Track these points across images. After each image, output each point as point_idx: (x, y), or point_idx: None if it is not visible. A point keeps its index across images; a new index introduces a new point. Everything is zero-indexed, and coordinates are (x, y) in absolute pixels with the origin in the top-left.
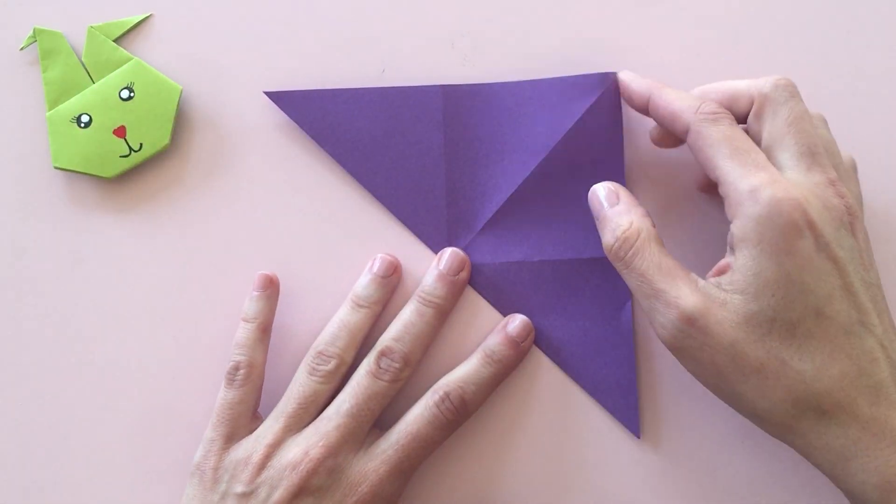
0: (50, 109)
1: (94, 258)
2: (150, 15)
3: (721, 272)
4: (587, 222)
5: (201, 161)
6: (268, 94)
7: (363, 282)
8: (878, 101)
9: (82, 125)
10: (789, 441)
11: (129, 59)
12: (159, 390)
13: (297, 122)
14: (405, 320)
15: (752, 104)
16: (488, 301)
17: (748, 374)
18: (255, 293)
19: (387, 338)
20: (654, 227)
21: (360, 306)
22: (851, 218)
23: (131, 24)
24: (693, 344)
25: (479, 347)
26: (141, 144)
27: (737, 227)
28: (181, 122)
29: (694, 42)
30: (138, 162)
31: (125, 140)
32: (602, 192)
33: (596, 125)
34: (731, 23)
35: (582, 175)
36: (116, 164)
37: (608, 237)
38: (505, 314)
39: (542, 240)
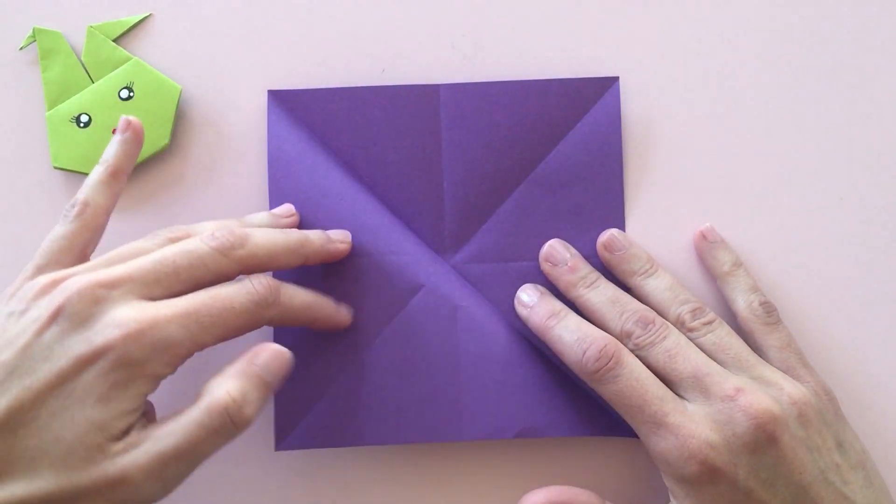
0: (49, 109)
1: (94, 258)
2: (150, 14)
3: None
4: (585, 225)
5: (201, 161)
6: (271, 92)
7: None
8: (878, 101)
9: (82, 125)
10: None
11: (128, 59)
12: (158, 390)
13: (298, 120)
14: (270, 227)
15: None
16: (491, 302)
17: None
18: (115, 137)
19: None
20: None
21: (242, 222)
22: (765, 429)
23: (131, 24)
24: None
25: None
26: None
27: (667, 483)
28: (181, 121)
29: (695, 43)
30: (138, 162)
31: None
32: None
33: (595, 129)
34: (731, 24)
35: (580, 178)
36: None
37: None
38: (504, 315)
39: (540, 242)
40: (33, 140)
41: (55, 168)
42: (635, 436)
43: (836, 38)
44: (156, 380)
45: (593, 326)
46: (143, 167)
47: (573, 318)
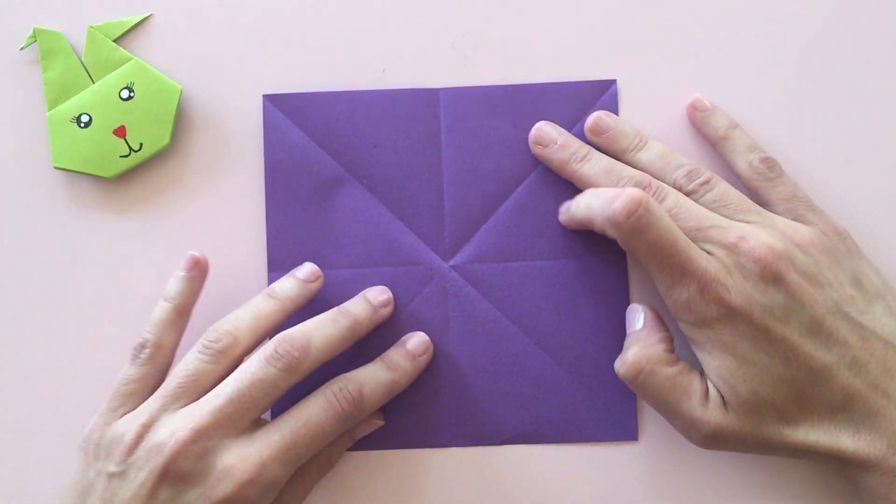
0: (50, 109)
1: (94, 258)
2: (150, 15)
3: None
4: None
5: (201, 161)
6: (267, 97)
7: (283, 280)
8: (879, 101)
9: (82, 125)
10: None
11: (128, 59)
12: None
13: (296, 124)
14: (318, 320)
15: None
16: (490, 303)
17: (792, 451)
18: (180, 273)
19: (293, 329)
20: (670, 350)
21: (273, 297)
22: (769, 267)
23: (131, 24)
24: (722, 447)
25: (379, 357)
26: (141, 144)
27: (685, 331)
28: (181, 121)
29: (694, 44)
30: (138, 162)
31: (125, 140)
32: (629, 314)
33: None
34: (731, 25)
35: None
36: (116, 163)
37: (618, 365)
38: (504, 314)
39: (539, 242)
40: (34, 140)
41: (55, 168)
42: (618, 439)
43: (836, 36)
44: None
45: (624, 167)
46: (142, 167)
47: (600, 158)
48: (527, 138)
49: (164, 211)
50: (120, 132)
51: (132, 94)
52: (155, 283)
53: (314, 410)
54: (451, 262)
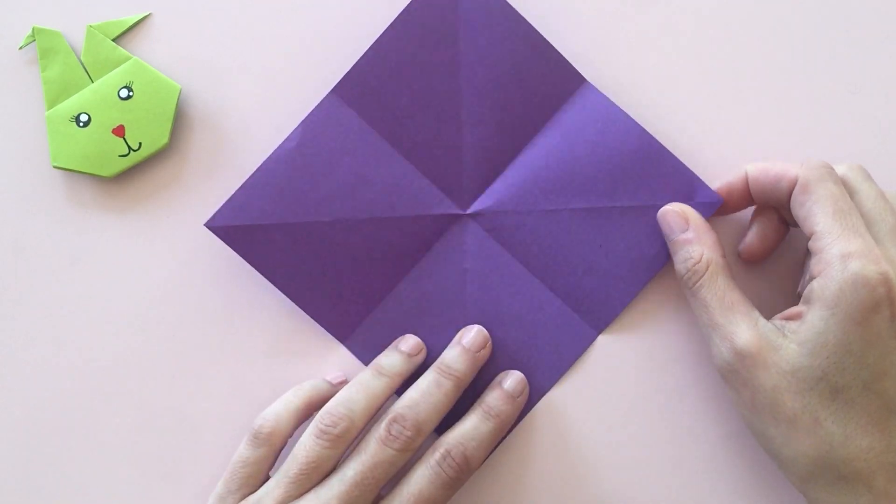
0: (49, 109)
1: (93, 257)
2: (150, 14)
3: (789, 318)
4: (616, 170)
5: (200, 160)
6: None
7: (388, 354)
8: (877, 99)
9: (81, 124)
10: (803, 492)
11: (128, 59)
12: (158, 390)
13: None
14: (422, 389)
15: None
16: (511, 254)
17: (780, 421)
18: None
19: (401, 405)
20: (724, 257)
21: (382, 374)
22: None
23: (130, 23)
24: (738, 379)
25: (476, 404)
26: (140, 144)
27: (818, 285)
28: (180, 121)
29: (695, 44)
30: (137, 161)
31: (124, 139)
32: (670, 217)
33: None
34: (731, 24)
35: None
36: (115, 163)
37: (679, 266)
38: (529, 269)
39: (571, 187)
40: (33, 139)
41: (54, 167)
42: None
43: (836, 35)
44: None
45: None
46: (141, 167)
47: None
48: (546, 77)
49: (163, 210)
50: (119, 131)
51: (131, 94)
52: (154, 283)
53: (423, 485)
54: (470, 210)
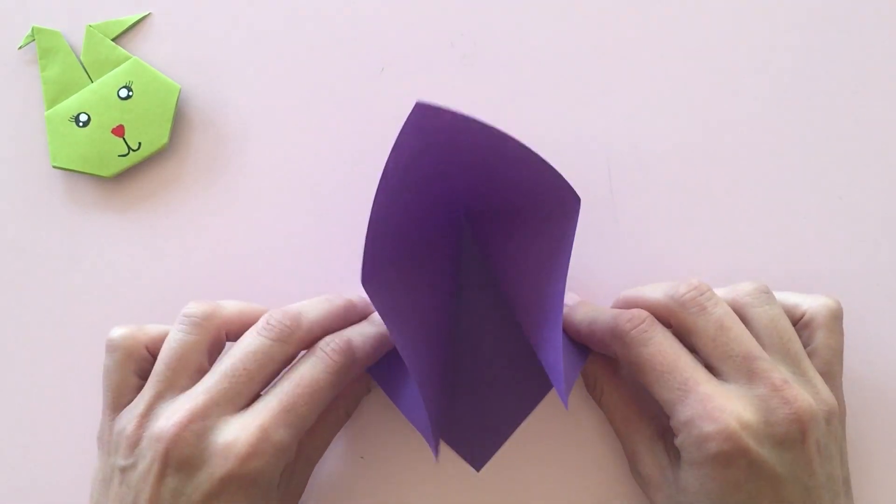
0: (48, 108)
1: (93, 257)
2: (149, 14)
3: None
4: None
5: (200, 160)
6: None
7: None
8: (877, 100)
9: (81, 124)
10: None
11: (127, 58)
12: None
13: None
14: (313, 299)
15: (668, 314)
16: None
17: None
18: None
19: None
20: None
21: (340, 297)
22: (801, 425)
23: (130, 23)
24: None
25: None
26: (140, 143)
27: (680, 447)
28: (180, 121)
29: (695, 41)
30: (137, 161)
31: (124, 139)
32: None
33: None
34: (731, 24)
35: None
36: (115, 163)
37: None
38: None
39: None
40: (32, 139)
41: (54, 167)
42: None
43: (836, 36)
44: (279, 480)
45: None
46: (141, 166)
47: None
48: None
49: (163, 210)
50: (118, 131)
51: (131, 94)
52: (153, 283)
53: (306, 368)
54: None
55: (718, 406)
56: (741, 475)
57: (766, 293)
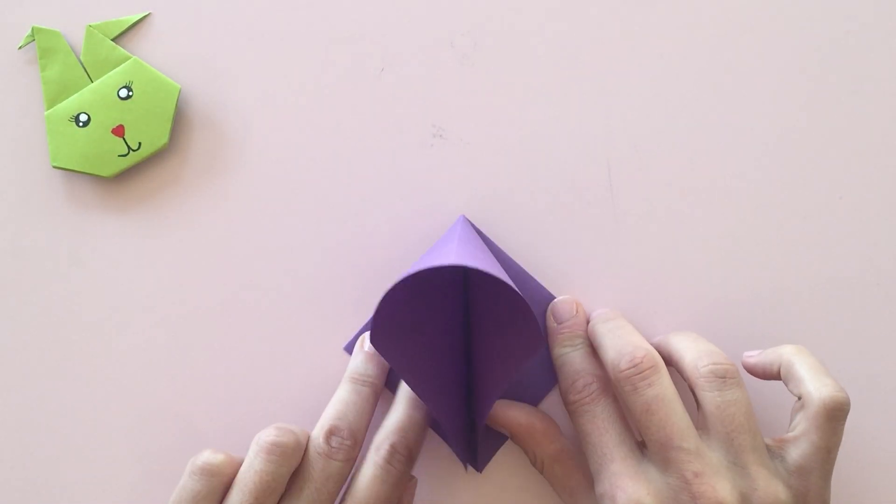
0: (48, 108)
1: (93, 257)
2: (149, 14)
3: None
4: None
5: (200, 160)
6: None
7: (357, 358)
8: (877, 100)
9: (81, 124)
10: None
11: (127, 58)
12: (158, 390)
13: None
14: (345, 399)
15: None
16: (510, 253)
17: None
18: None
19: (330, 417)
20: (560, 446)
21: (364, 384)
22: None
23: (130, 23)
24: None
25: (398, 395)
26: (139, 143)
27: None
28: (180, 121)
29: (695, 41)
30: (137, 161)
31: (124, 139)
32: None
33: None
34: (731, 24)
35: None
36: (115, 163)
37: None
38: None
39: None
40: (32, 139)
41: (54, 167)
42: None
43: (836, 35)
44: None
45: (592, 364)
46: (141, 166)
47: (581, 355)
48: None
49: (163, 210)
50: (118, 131)
51: (131, 94)
52: (153, 283)
53: (378, 486)
54: None
55: (621, 486)
56: None
57: (722, 378)
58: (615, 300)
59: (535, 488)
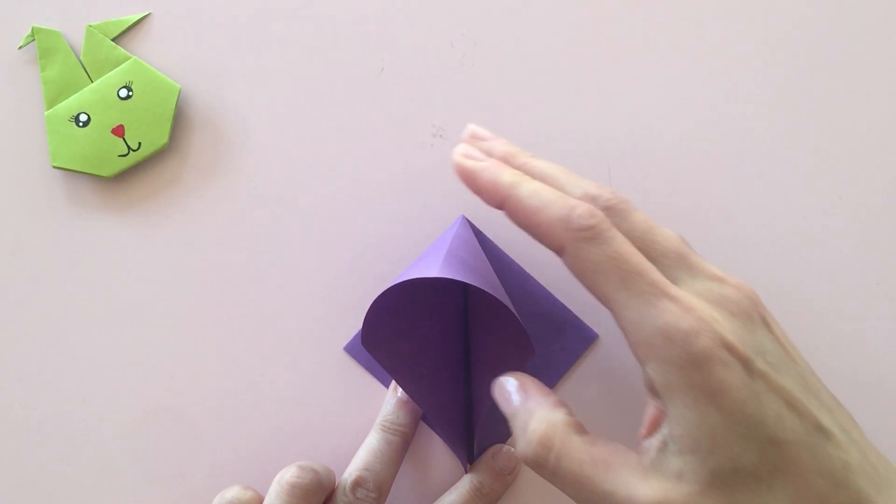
0: (48, 108)
1: (93, 257)
2: (149, 14)
3: (655, 425)
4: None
5: (200, 160)
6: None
7: (389, 407)
8: (877, 100)
9: (81, 124)
10: None
11: (127, 58)
12: (158, 390)
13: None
14: (374, 449)
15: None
16: (511, 255)
17: None
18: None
19: (358, 467)
20: (571, 414)
21: (393, 433)
22: (757, 307)
23: (130, 23)
24: None
25: (465, 478)
26: (139, 144)
27: (655, 373)
28: (180, 121)
29: (695, 41)
30: (137, 161)
31: (124, 139)
32: (508, 387)
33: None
34: (731, 24)
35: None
36: (115, 163)
37: (522, 446)
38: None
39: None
40: (32, 139)
41: (54, 167)
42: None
43: (836, 35)
44: None
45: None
46: (141, 167)
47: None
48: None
49: (163, 210)
50: (118, 131)
51: (131, 94)
52: (153, 283)
53: None
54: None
55: (691, 304)
56: (737, 378)
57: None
58: None
59: (534, 487)
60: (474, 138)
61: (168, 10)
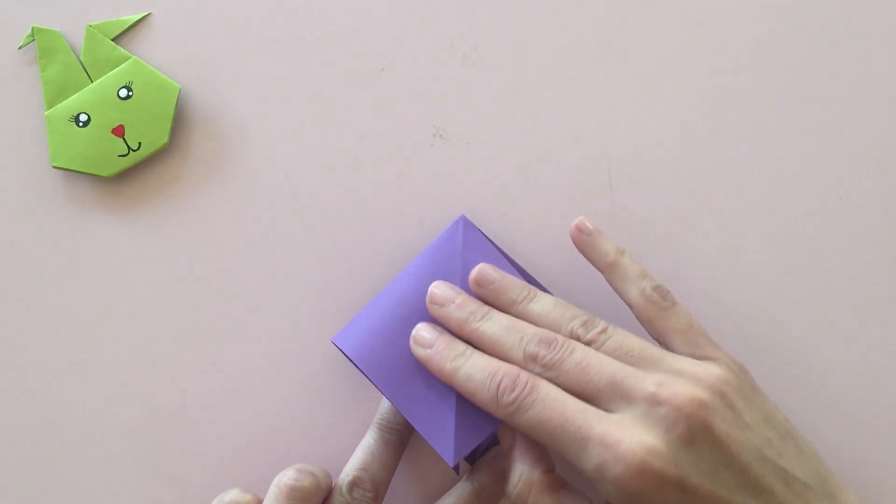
0: (48, 108)
1: (93, 257)
2: (149, 14)
3: None
4: None
5: (200, 160)
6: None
7: (387, 406)
8: (878, 100)
9: (81, 124)
10: None
11: (127, 58)
12: (159, 390)
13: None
14: (371, 449)
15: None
16: (500, 251)
17: None
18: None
19: (355, 467)
20: (551, 469)
21: (390, 431)
22: (702, 411)
23: (130, 23)
24: None
25: (464, 480)
26: (139, 144)
27: (600, 491)
28: (180, 121)
29: (694, 42)
30: (137, 161)
31: (124, 139)
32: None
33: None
34: (731, 25)
35: None
36: (115, 163)
37: (508, 489)
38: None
39: None
40: (32, 139)
41: (54, 167)
42: None
43: (836, 35)
44: None
45: (500, 360)
46: (141, 167)
47: (479, 356)
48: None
49: (163, 210)
50: (118, 131)
51: (131, 94)
52: (153, 283)
53: None
54: None
55: (617, 438)
56: (673, 495)
57: (596, 324)
58: (615, 300)
59: None
60: (580, 231)
61: (168, 10)
